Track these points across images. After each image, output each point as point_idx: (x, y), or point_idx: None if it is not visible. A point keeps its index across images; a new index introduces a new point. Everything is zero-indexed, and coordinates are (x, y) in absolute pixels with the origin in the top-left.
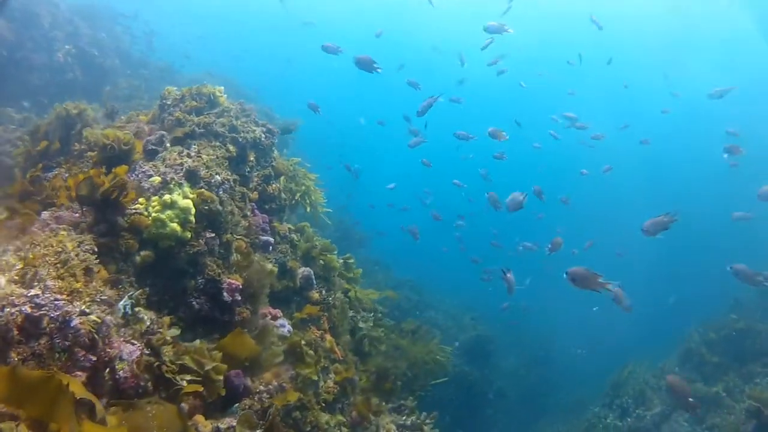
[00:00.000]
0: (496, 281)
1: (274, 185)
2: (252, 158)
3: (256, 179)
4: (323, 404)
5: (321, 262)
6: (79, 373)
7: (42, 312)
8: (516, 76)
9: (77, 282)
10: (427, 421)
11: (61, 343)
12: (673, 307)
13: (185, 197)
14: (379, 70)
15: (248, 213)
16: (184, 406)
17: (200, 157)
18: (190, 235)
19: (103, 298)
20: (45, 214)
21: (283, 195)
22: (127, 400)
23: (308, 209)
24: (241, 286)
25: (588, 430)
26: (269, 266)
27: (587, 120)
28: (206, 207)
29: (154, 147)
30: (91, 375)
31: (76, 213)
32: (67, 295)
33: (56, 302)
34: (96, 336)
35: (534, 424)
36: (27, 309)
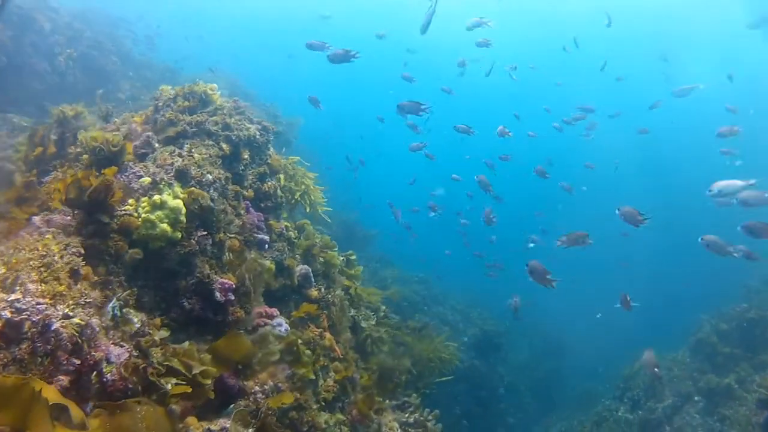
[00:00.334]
0: (500, 275)
1: (269, 183)
2: (246, 156)
3: (251, 177)
4: (323, 403)
5: (321, 259)
6: (61, 377)
7: (23, 316)
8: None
9: (60, 285)
10: (430, 417)
11: (42, 348)
12: (683, 297)
13: (175, 197)
14: (356, 57)
15: (242, 211)
16: (176, 407)
17: (192, 156)
18: (180, 236)
19: (87, 300)
20: (36, 218)
21: (279, 193)
22: (114, 402)
23: (308, 209)
24: (234, 286)
25: (599, 423)
26: (266, 263)
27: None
28: (197, 206)
29: (143, 150)
30: (76, 379)
31: (68, 216)
32: (50, 299)
33: (38, 306)
34: (80, 339)
35: (545, 417)
36: (7, 314)
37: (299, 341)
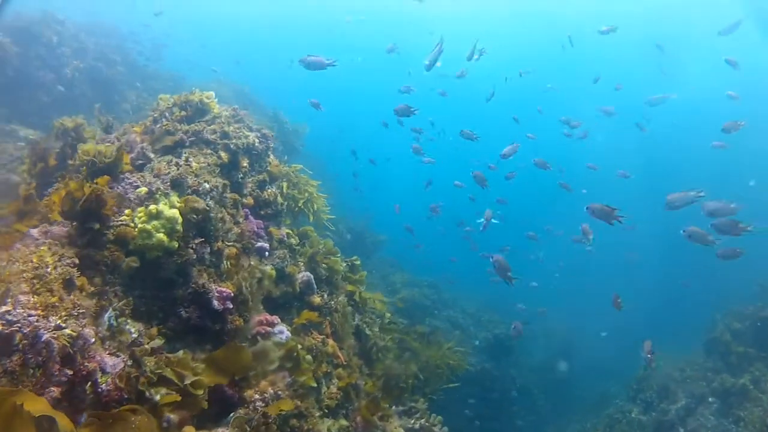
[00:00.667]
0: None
1: (269, 190)
2: (245, 164)
3: (250, 185)
4: (326, 411)
5: (324, 265)
6: (53, 388)
7: (13, 328)
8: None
9: (53, 296)
10: (436, 423)
11: (34, 359)
12: (696, 296)
13: (172, 207)
14: (333, 64)
15: (241, 219)
16: (174, 417)
17: (189, 165)
18: (177, 245)
19: (81, 311)
20: (34, 231)
21: (279, 200)
22: (108, 412)
23: (311, 217)
24: (232, 294)
25: (611, 425)
26: (266, 270)
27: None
28: (194, 216)
29: (140, 160)
30: (68, 389)
31: (66, 228)
32: (42, 310)
33: (29, 318)
34: (72, 350)
35: (559, 419)
36: None
37: (299, 347)
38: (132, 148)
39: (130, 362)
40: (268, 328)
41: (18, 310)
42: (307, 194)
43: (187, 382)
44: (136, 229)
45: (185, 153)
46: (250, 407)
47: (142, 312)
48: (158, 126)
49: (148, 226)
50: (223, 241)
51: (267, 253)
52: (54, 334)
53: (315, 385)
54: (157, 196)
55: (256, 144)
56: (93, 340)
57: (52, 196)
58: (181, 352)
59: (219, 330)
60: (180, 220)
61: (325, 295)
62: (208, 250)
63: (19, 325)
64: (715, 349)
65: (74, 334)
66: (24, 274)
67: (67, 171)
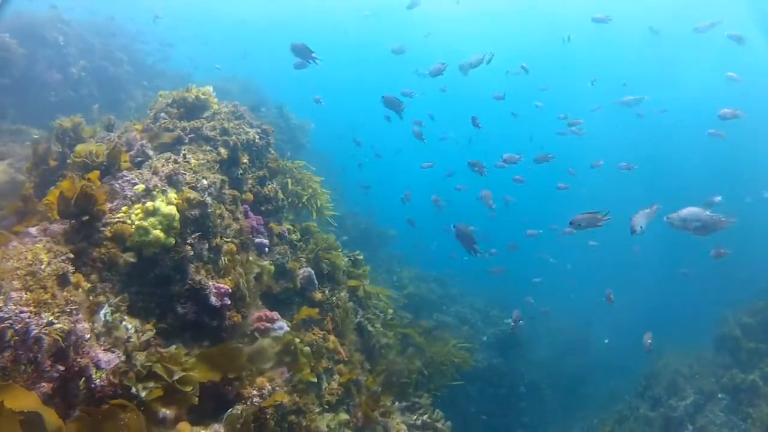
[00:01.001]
0: (509, 273)
1: (270, 186)
2: (245, 160)
3: (250, 181)
4: (326, 407)
5: (326, 261)
6: (44, 384)
7: (5, 325)
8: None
9: (46, 293)
10: (440, 418)
11: (25, 355)
12: (705, 291)
13: (169, 203)
14: (317, 61)
15: (240, 215)
16: (169, 413)
17: (187, 162)
18: (174, 241)
19: (74, 308)
20: (32, 229)
21: (280, 195)
22: (97, 408)
23: (314, 214)
24: (230, 290)
25: (620, 422)
26: (265, 265)
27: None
28: (192, 212)
29: (139, 158)
30: (61, 385)
31: (63, 225)
32: (34, 307)
33: (21, 315)
34: (64, 346)
35: (568, 416)
36: None
37: (297, 340)
38: (132, 145)
39: (124, 358)
40: (268, 324)
41: (9, 307)
42: (310, 190)
43: (175, 377)
44: (133, 226)
45: (184, 150)
46: (248, 403)
47: (139, 308)
48: (157, 123)
49: (145, 223)
50: (221, 237)
51: (267, 249)
52: (45, 330)
53: (314, 380)
54: (155, 192)
55: (257, 140)
56: (88, 336)
57: (49, 195)
58: (173, 347)
59: (217, 326)
60: (177, 216)
61: (327, 291)
62: (206, 246)
63: (10, 321)
64: (724, 345)
65: (66, 329)
66: (17, 272)
67: (66, 171)
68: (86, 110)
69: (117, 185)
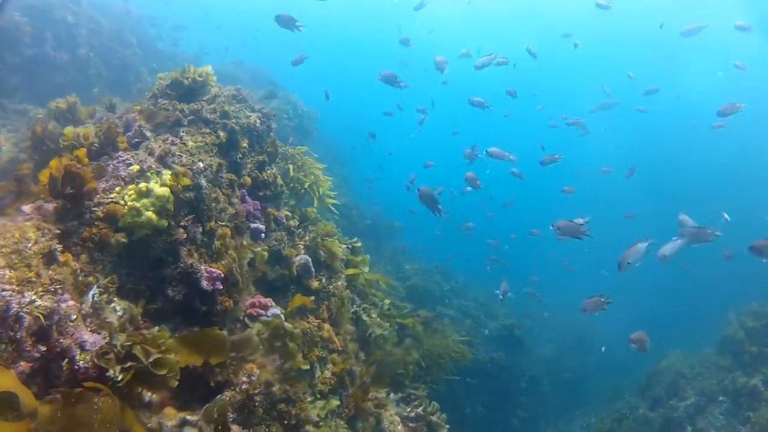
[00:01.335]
0: (511, 267)
1: (269, 171)
2: (245, 144)
3: (249, 165)
4: (318, 396)
5: (324, 248)
6: (22, 364)
7: None
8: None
9: (30, 271)
10: (435, 411)
11: (5, 334)
12: (709, 292)
13: (163, 185)
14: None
15: (236, 200)
16: (155, 397)
17: (184, 144)
18: (167, 224)
19: (58, 287)
20: (26, 207)
21: (279, 181)
22: (71, 391)
23: (316, 202)
24: (222, 275)
25: (619, 420)
26: (258, 251)
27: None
28: (187, 194)
29: (136, 139)
30: (42, 366)
31: (55, 204)
32: (17, 285)
33: (2, 293)
34: (46, 325)
35: (568, 413)
36: None
37: (286, 324)
38: (130, 126)
39: (109, 339)
40: (261, 311)
41: None
42: (312, 177)
43: (150, 359)
44: (126, 207)
45: (182, 131)
46: (237, 389)
47: (129, 290)
48: (156, 105)
49: (138, 204)
50: (216, 221)
51: (263, 234)
52: (27, 308)
53: (306, 366)
54: (149, 174)
55: (257, 124)
56: (74, 316)
57: (41, 175)
58: (156, 329)
59: (207, 311)
60: (171, 198)
61: (324, 279)
62: (200, 229)
63: None
64: (727, 348)
65: (49, 308)
66: (2, 249)
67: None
68: (93, 91)
69: (111, 165)
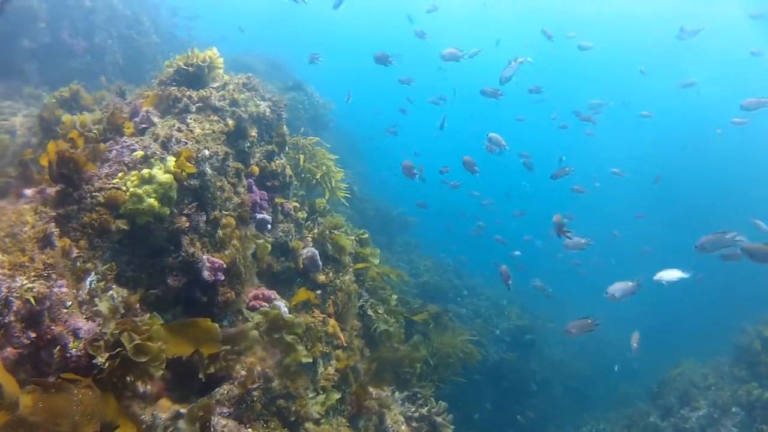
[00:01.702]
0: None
1: (277, 161)
2: (254, 134)
3: (258, 155)
4: (320, 392)
5: (331, 241)
6: (9, 350)
7: None
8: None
9: (24, 256)
10: (440, 411)
11: None
12: (724, 300)
13: (167, 171)
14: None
15: (242, 190)
16: (149, 388)
17: (191, 131)
18: (168, 211)
19: (51, 272)
20: (28, 191)
21: (288, 171)
22: (50, 381)
23: (328, 194)
24: (225, 265)
25: (629, 427)
26: (260, 242)
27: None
28: (191, 182)
29: (143, 125)
30: (33, 353)
31: (55, 189)
32: (9, 269)
33: None
34: (36, 311)
35: (577, 417)
36: None
37: (283, 314)
38: (137, 112)
39: (102, 327)
40: (264, 303)
41: None
42: (324, 168)
43: (129, 346)
44: (128, 193)
45: (190, 118)
46: (235, 383)
47: (129, 278)
48: (164, 90)
49: (140, 191)
50: (220, 210)
51: (269, 225)
52: (16, 293)
53: (308, 360)
54: (152, 160)
55: (267, 113)
56: (69, 302)
57: (41, 159)
58: (147, 316)
59: (208, 302)
60: (174, 185)
61: (331, 273)
62: (204, 218)
63: None
64: (742, 358)
65: (41, 293)
66: None
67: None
68: (109, 78)
69: (115, 150)
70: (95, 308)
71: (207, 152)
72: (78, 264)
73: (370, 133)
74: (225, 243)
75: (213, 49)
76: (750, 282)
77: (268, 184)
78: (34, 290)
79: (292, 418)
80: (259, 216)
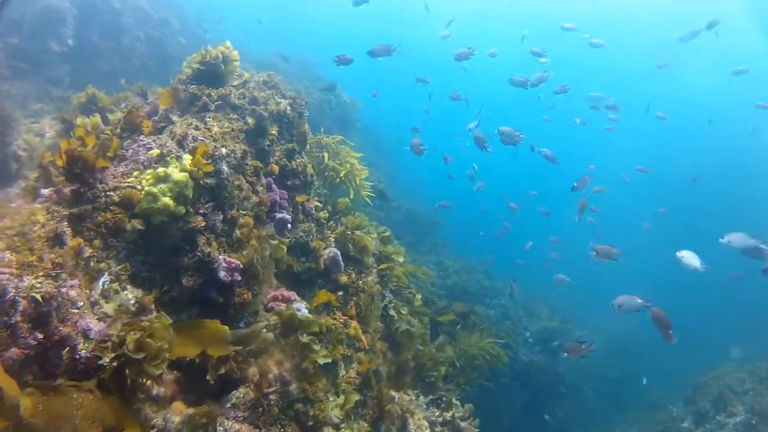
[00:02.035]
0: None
1: (298, 160)
2: (274, 132)
3: (278, 153)
4: (340, 394)
5: (354, 240)
6: (13, 350)
7: None
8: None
9: (32, 255)
10: (465, 416)
11: (0, 319)
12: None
13: (183, 170)
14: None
15: (260, 188)
16: (162, 391)
17: (209, 129)
18: (184, 210)
19: (60, 271)
20: (45, 191)
21: (309, 170)
22: (50, 384)
23: (352, 193)
24: (242, 266)
25: None
26: (275, 243)
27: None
28: (208, 181)
29: (162, 123)
30: (38, 354)
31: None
32: (17, 269)
33: None
34: (44, 311)
35: (608, 420)
36: None
37: (298, 314)
38: (156, 111)
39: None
40: (283, 305)
41: None
42: (348, 166)
43: (129, 345)
44: (142, 192)
45: (208, 116)
46: (251, 386)
47: (144, 278)
48: (184, 89)
49: (155, 189)
50: (238, 209)
51: (290, 225)
52: (23, 293)
53: (322, 361)
54: (168, 158)
55: (288, 111)
56: (81, 303)
57: (57, 159)
58: (153, 316)
59: (224, 303)
60: (190, 184)
61: (354, 274)
62: (221, 217)
63: None
64: None
65: (48, 294)
66: (7, 231)
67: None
68: (138, 80)
69: (131, 150)
70: (102, 309)
71: (224, 150)
72: (92, 264)
73: (398, 133)
74: (242, 243)
75: (226, 43)
76: None
77: (289, 183)
78: (41, 290)
79: (311, 423)
80: (278, 215)
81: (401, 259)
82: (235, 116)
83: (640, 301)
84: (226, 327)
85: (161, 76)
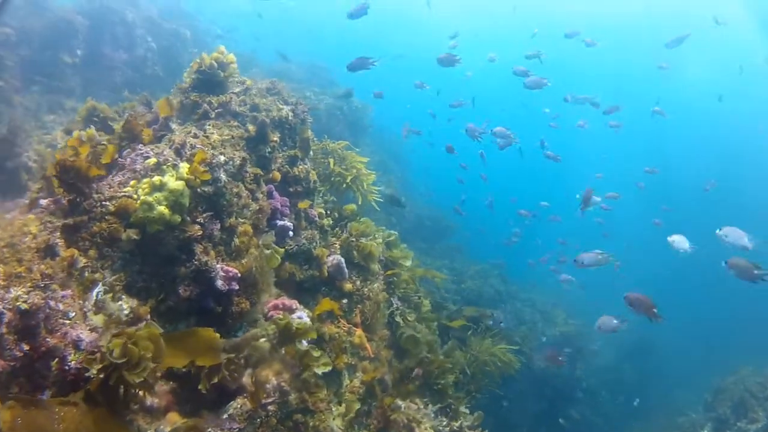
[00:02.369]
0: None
1: (301, 166)
2: (275, 138)
3: (279, 160)
4: (343, 406)
5: (358, 247)
6: None
7: None
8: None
9: (20, 266)
10: (473, 425)
11: None
12: None
13: (179, 178)
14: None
15: (260, 196)
16: (156, 401)
17: (207, 137)
18: (180, 219)
19: (48, 282)
20: (43, 201)
21: (312, 177)
22: (30, 398)
23: (360, 199)
24: (239, 274)
25: None
26: (269, 252)
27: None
28: (205, 189)
29: (161, 132)
30: (25, 365)
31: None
32: (3, 280)
33: None
34: (30, 323)
35: (626, 426)
36: None
37: (293, 323)
38: (157, 119)
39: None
40: (284, 314)
41: None
42: (355, 171)
43: (114, 354)
44: (138, 201)
45: (208, 124)
46: (248, 397)
47: (140, 288)
48: (185, 97)
49: (150, 198)
50: (236, 217)
51: (291, 232)
52: (9, 305)
53: (321, 370)
54: (164, 167)
55: (290, 118)
56: (73, 313)
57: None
58: (143, 324)
59: (222, 312)
60: (186, 192)
61: (358, 282)
62: (219, 226)
63: None
64: None
65: (36, 305)
66: None
67: None
68: (150, 90)
69: (129, 159)
70: (89, 321)
71: (222, 158)
72: (86, 274)
73: (413, 141)
74: (241, 251)
75: (220, 48)
76: None
77: (291, 190)
78: (27, 301)
79: None
80: (279, 223)
81: (408, 263)
82: (235, 123)
83: (615, 322)
84: (218, 335)
85: (173, 86)
